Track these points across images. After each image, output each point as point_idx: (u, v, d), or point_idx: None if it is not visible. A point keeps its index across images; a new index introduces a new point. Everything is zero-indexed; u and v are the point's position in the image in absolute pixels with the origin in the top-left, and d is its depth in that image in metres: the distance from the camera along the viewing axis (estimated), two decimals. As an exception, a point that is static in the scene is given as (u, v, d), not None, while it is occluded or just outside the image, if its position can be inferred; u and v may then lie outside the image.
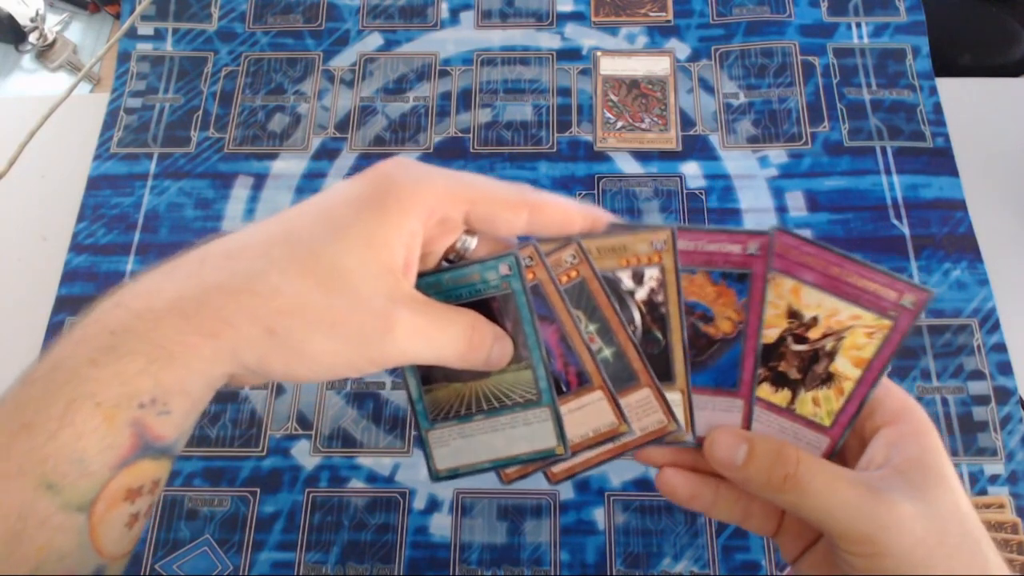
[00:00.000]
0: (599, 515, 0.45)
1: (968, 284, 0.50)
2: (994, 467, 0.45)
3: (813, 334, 0.28)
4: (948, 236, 0.51)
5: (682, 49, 0.58)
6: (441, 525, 0.45)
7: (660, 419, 0.29)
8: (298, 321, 0.23)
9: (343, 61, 0.59)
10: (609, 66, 0.58)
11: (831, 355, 0.28)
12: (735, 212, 0.53)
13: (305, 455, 0.47)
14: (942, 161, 0.53)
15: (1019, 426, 0.46)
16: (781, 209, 0.52)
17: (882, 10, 0.58)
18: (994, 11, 0.62)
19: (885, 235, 0.51)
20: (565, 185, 0.54)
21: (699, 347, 0.29)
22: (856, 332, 0.28)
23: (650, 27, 0.59)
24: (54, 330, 0.50)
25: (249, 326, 0.23)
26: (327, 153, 0.56)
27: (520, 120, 0.56)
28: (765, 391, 0.29)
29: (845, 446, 0.29)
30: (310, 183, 0.55)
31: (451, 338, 0.26)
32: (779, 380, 0.29)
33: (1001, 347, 0.48)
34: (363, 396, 0.48)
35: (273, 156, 0.56)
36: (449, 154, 0.55)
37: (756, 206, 0.53)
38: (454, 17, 0.60)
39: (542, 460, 0.29)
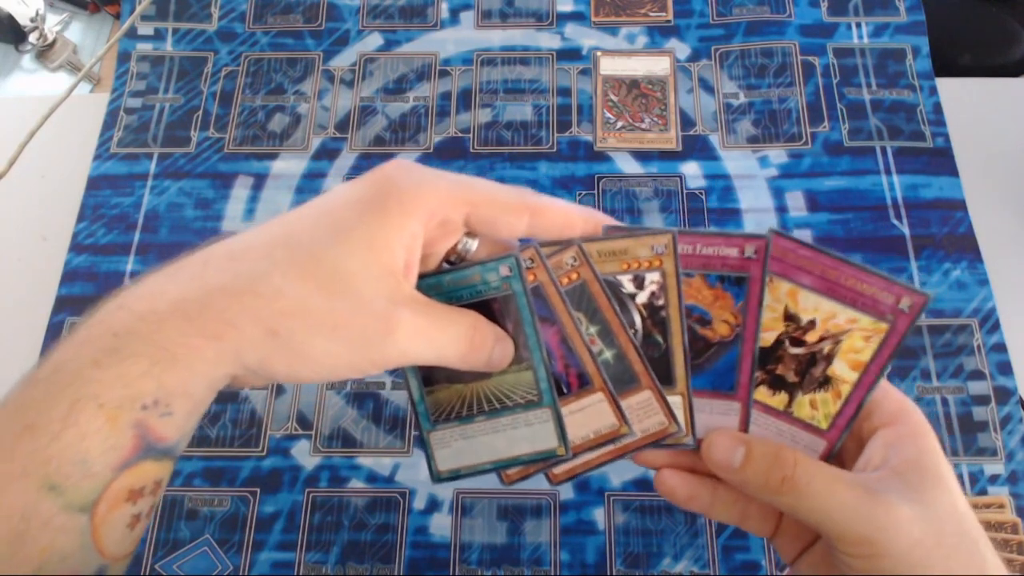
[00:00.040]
0: (599, 515, 0.45)
1: (968, 284, 0.50)
2: (994, 467, 0.45)
3: (810, 337, 0.28)
4: (948, 236, 0.51)
5: (682, 49, 0.58)
6: (441, 525, 0.45)
7: (661, 421, 0.29)
8: (300, 323, 0.23)
9: (343, 61, 0.59)
10: (609, 66, 0.58)
11: (828, 358, 0.28)
12: (735, 212, 0.53)
13: (305, 455, 0.47)
14: (942, 161, 0.53)
15: (1019, 426, 0.46)
16: (781, 209, 0.52)
17: (882, 10, 0.58)
18: (994, 11, 0.62)
19: (885, 235, 0.51)
20: (565, 185, 0.54)
21: (696, 350, 0.29)
22: (853, 335, 0.28)
23: (650, 27, 0.59)
24: (54, 330, 0.51)
25: (251, 328, 0.23)
26: (327, 153, 0.56)
27: (520, 120, 0.56)
28: (762, 394, 0.29)
29: (842, 448, 0.29)
30: (310, 183, 0.55)
31: (452, 339, 0.26)
32: (776, 383, 0.29)
33: (1001, 347, 0.48)
34: (363, 396, 0.48)
35: (273, 156, 0.56)
36: (449, 154, 0.55)
37: (756, 206, 0.53)
38: (454, 17, 0.60)
39: (543, 461, 0.29)
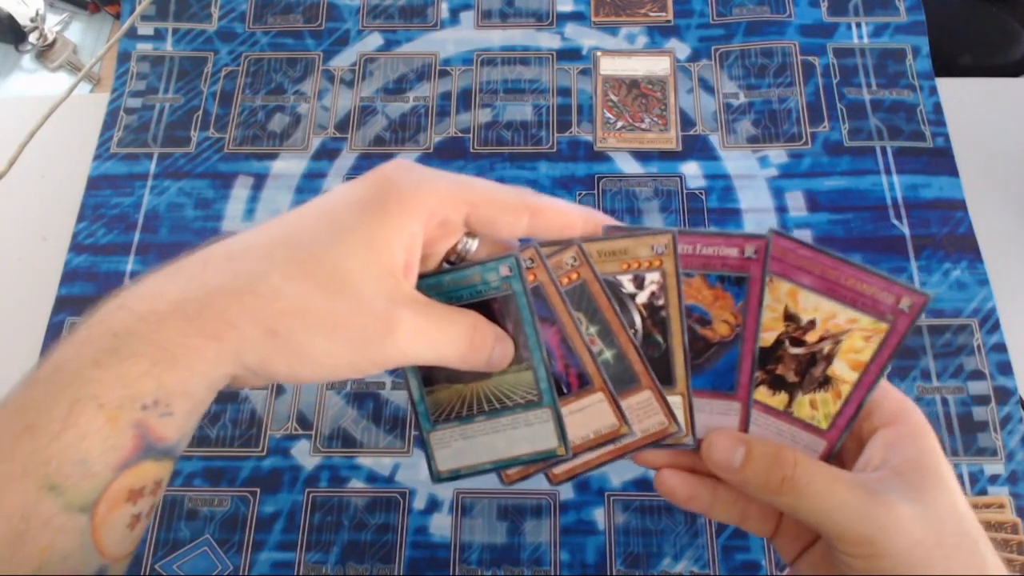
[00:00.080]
0: (599, 515, 0.45)
1: (968, 284, 0.50)
2: (994, 467, 0.45)
3: (810, 337, 0.28)
4: (948, 236, 0.51)
5: (682, 49, 0.58)
6: (441, 525, 0.45)
7: (661, 421, 0.29)
8: (300, 323, 0.23)
9: (343, 61, 0.59)
10: (609, 66, 0.58)
11: (828, 358, 0.28)
12: (735, 212, 0.53)
13: (305, 455, 0.47)
14: (942, 161, 0.53)
15: (1019, 426, 0.46)
16: (781, 209, 0.52)
17: (882, 10, 0.58)
18: (994, 11, 0.62)
19: (885, 235, 0.51)
20: (565, 185, 0.54)
21: (696, 350, 0.29)
22: (853, 335, 0.28)
23: (650, 27, 0.59)
24: (54, 330, 0.51)
25: (251, 328, 0.23)
26: (327, 153, 0.56)
27: (520, 120, 0.56)
28: (762, 394, 0.29)
29: (842, 448, 0.29)
30: (310, 183, 0.55)
31: (452, 339, 0.26)
32: (776, 383, 0.29)
33: (1001, 347, 0.48)
34: (363, 396, 0.48)
35: (273, 156, 0.56)
36: (449, 154, 0.55)
37: (756, 206, 0.53)
38: (454, 17, 0.60)
39: (543, 461, 0.29)
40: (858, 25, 0.58)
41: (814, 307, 0.28)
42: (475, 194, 0.26)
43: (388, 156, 0.55)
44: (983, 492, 0.45)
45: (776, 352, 0.29)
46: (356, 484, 0.46)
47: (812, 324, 0.28)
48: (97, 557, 0.22)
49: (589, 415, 0.29)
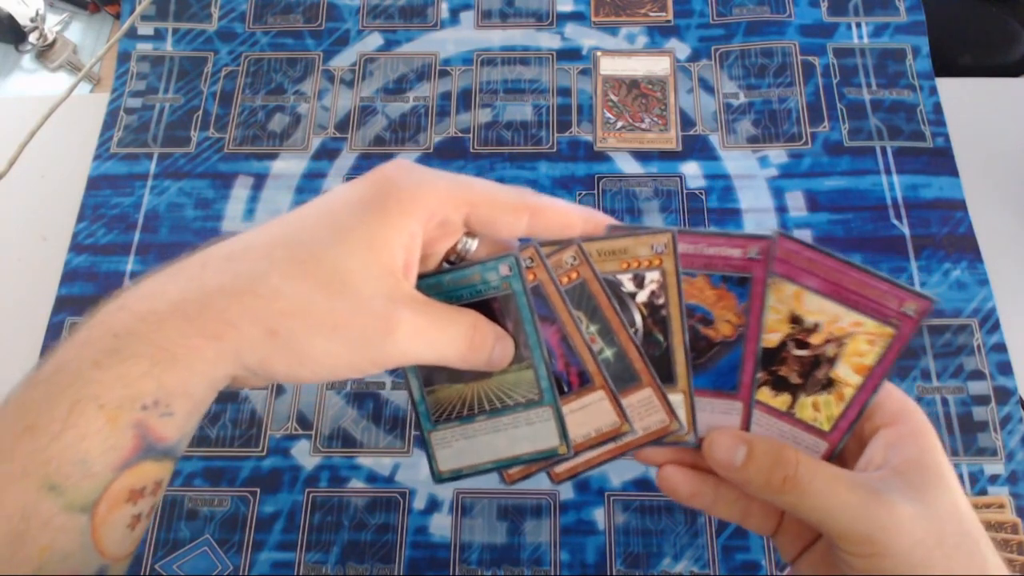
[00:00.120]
0: (599, 515, 0.45)
1: (968, 284, 0.50)
2: (994, 467, 0.45)
3: (815, 339, 0.28)
4: (948, 236, 0.51)
5: (682, 49, 0.58)
6: (441, 525, 0.45)
7: (662, 419, 0.29)
8: (300, 323, 0.23)
9: (343, 61, 0.59)
10: (609, 66, 0.58)
11: (832, 361, 0.28)
12: (735, 212, 0.53)
13: (305, 455, 0.47)
14: (942, 161, 0.53)
15: (1019, 426, 0.46)
16: (781, 209, 0.52)
17: (882, 10, 0.58)
18: (994, 11, 0.62)
19: (885, 235, 0.51)
20: (565, 185, 0.54)
21: (699, 350, 0.29)
22: (858, 339, 0.28)
23: (650, 27, 0.59)
24: (54, 330, 0.51)
25: (251, 328, 0.23)
26: (327, 153, 0.56)
27: (520, 120, 0.56)
28: (765, 395, 0.29)
29: (844, 447, 0.29)
30: (310, 183, 0.55)
31: (452, 338, 0.26)
32: (779, 384, 0.29)
33: (1001, 347, 0.48)
34: (363, 396, 0.48)
35: (273, 156, 0.56)
36: (449, 154, 0.55)
37: (756, 206, 0.53)
38: (454, 17, 0.60)
39: (545, 460, 0.29)
40: (858, 25, 0.58)
41: (819, 309, 0.28)
42: (475, 194, 0.26)
43: (388, 156, 0.55)
44: (983, 492, 0.45)
45: (780, 353, 0.29)
46: (356, 484, 0.46)
47: (817, 326, 0.28)
48: (97, 557, 0.22)
49: (590, 413, 0.29)
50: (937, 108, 0.55)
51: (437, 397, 0.29)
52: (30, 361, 0.48)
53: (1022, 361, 0.48)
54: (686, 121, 0.56)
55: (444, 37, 0.59)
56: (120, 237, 0.53)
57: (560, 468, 0.30)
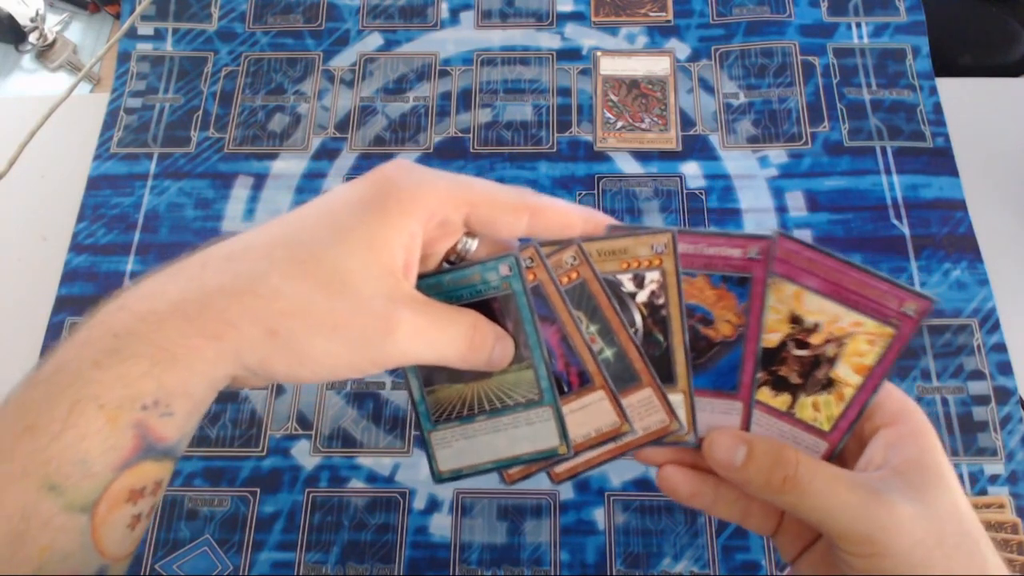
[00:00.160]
0: (599, 515, 0.45)
1: (968, 284, 0.50)
2: (994, 467, 0.45)
3: (815, 339, 0.28)
4: (948, 236, 0.51)
5: (682, 49, 0.58)
6: (441, 525, 0.45)
7: (662, 419, 0.29)
8: (300, 323, 0.23)
9: (343, 61, 0.59)
10: (609, 66, 0.58)
11: (832, 361, 0.28)
12: (735, 212, 0.53)
13: (305, 455, 0.47)
14: (942, 161, 0.53)
15: (1019, 426, 0.46)
16: (781, 209, 0.52)
17: (882, 10, 0.58)
18: (994, 11, 0.62)
19: (885, 235, 0.51)
20: (565, 185, 0.54)
21: (699, 350, 0.29)
22: (858, 339, 0.28)
23: (650, 27, 0.59)
24: (54, 330, 0.51)
25: (251, 328, 0.23)
26: (327, 153, 0.56)
27: (520, 120, 0.56)
28: (765, 395, 0.29)
29: (844, 447, 0.29)
30: (310, 183, 0.55)
31: (452, 338, 0.26)
32: (779, 384, 0.29)
33: (1001, 347, 0.48)
34: (363, 396, 0.48)
35: (273, 156, 0.56)
36: (449, 154, 0.55)
37: (756, 206, 0.53)
38: (454, 17, 0.60)
39: (545, 460, 0.29)
40: (858, 25, 0.58)
41: (819, 310, 0.28)
42: (475, 194, 0.26)
43: (388, 156, 0.55)
44: (983, 492, 0.45)
45: (780, 353, 0.29)
46: (356, 484, 0.46)
47: (817, 326, 0.28)
48: (97, 557, 0.22)
49: (590, 413, 0.29)
50: (937, 108, 0.55)
51: (437, 397, 0.29)
52: (30, 361, 0.48)
53: (1022, 361, 0.48)
54: (686, 121, 0.56)
55: (444, 37, 0.59)
56: (120, 237, 0.53)
57: (560, 468, 0.30)
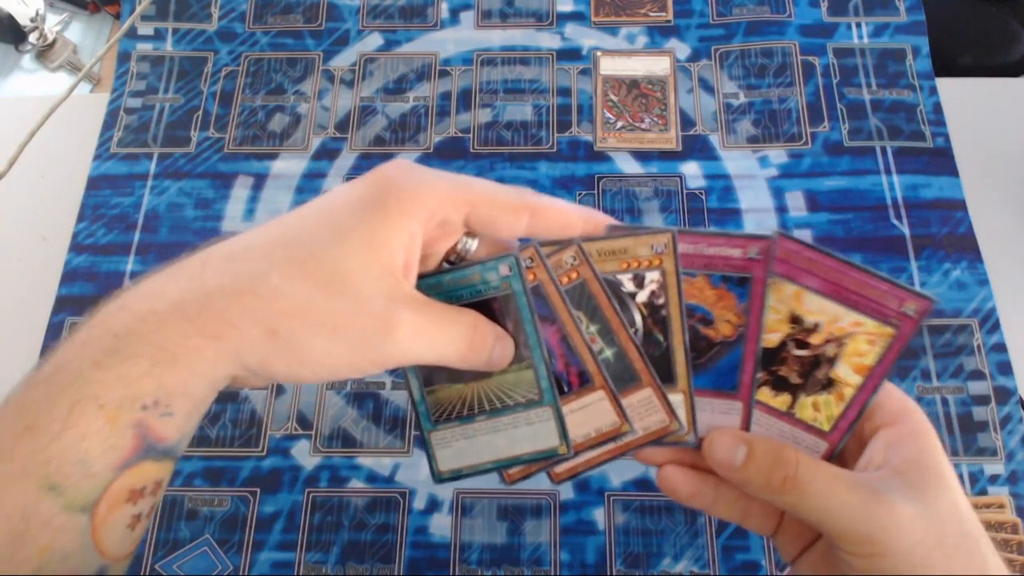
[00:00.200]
0: (599, 515, 0.45)
1: (968, 284, 0.50)
2: (994, 467, 0.45)
3: (815, 339, 0.28)
4: (948, 236, 0.51)
5: (682, 49, 0.58)
6: (441, 525, 0.45)
7: (662, 419, 0.29)
8: (300, 323, 0.23)
9: (343, 61, 0.59)
10: (609, 66, 0.58)
11: (832, 361, 0.28)
12: (735, 212, 0.53)
13: (305, 455, 0.47)
14: (942, 161, 0.53)
15: (1019, 426, 0.46)
16: (781, 209, 0.52)
17: (882, 10, 0.58)
18: (994, 11, 0.62)
19: (885, 235, 0.51)
20: (565, 185, 0.54)
21: (699, 350, 0.29)
22: (858, 339, 0.28)
23: (650, 27, 0.59)
24: (54, 330, 0.51)
25: (251, 328, 0.23)
26: (327, 153, 0.56)
27: (520, 120, 0.56)
28: (765, 395, 0.29)
29: (844, 447, 0.29)
30: (310, 183, 0.55)
31: (452, 338, 0.26)
32: (779, 384, 0.29)
33: (1001, 347, 0.48)
34: (363, 396, 0.48)
35: (273, 156, 0.56)
36: (449, 154, 0.55)
37: (756, 206, 0.53)
38: (454, 17, 0.60)
39: (545, 460, 0.29)
40: (858, 25, 0.58)
41: (819, 310, 0.28)
42: (475, 194, 0.26)
43: (388, 156, 0.55)
44: (983, 492, 0.45)
45: (780, 354, 0.29)
46: (356, 484, 0.46)
47: (817, 327, 0.28)
48: (97, 557, 0.22)
49: (590, 413, 0.29)
50: (937, 108, 0.55)
51: (437, 397, 0.29)
52: (30, 361, 0.48)
53: (1022, 361, 0.48)
54: (686, 121, 0.56)
55: (444, 37, 0.59)
56: (120, 237, 0.53)
57: (560, 468, 0.30)
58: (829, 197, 0.53)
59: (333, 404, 0.48)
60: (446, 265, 0.29)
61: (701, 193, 0.53)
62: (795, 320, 0.28)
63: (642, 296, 0.29)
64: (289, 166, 0.55)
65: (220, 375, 0.23)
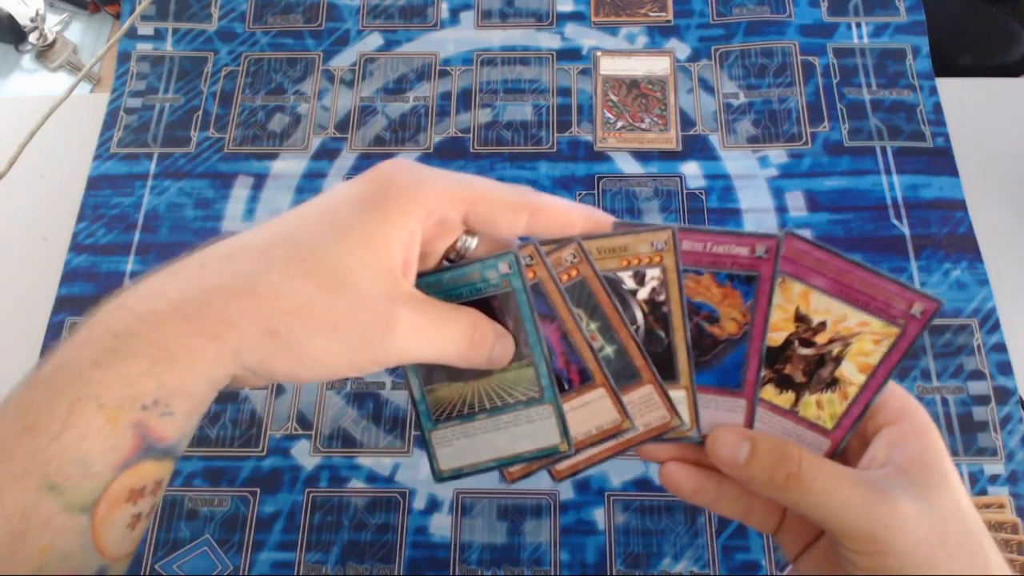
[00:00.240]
0: (599, 515, 0.45)
1: (968, 284, 0.50)
2: (994, 467, 0.45)
3: (820, 339, 0.28)
4: (948, 236, 0.51)
5: (682, 49, 0.58)
6: (441, 525, 0.45)
7: (663, 415, 0.29)
8: (299, 322, 0.23)
9: (343, 61, 0.59)
10: (609, 66, 0.58)
11: (837, 360, 0.28)
12: (735, 212, 0.53)
13: (305, 455, 0.47)
14: (942, 161, 0.53)
15: (1019, 426, 0.46)
16: (781, 209, 0.52)
17: (882, 10, 0.58)
18: (994, 11, 0.62)
19: (885, 235, 0.51)
20: (565, 185, 0.54)
21: (704, 347, 0.29)
22: (863, 338, 0.28)
23: (650, 27, 0.59)
24: (54, 330, 0.50)
25: (251, 327, 0.23)
26: (327, 153, 0.56)
27: (520, 120, 0.56)
28: (769, 393, 0.29)
29: (847, 445, 0.29)
30: (310, 183, 0.55)
31: (452, 336, 0.26)
32: (784, 382, 0.29)
33: (1001, 347, 0.48)
34: (363, 396, 0.48)
35: (273, 156, 0.56)
36: (449, 154, 0.55)
37: (756, 206, 0.53)
38: (454, 17, 0.60)
39: (546, 458, 0.29)
40: (858, 25, 0.58)
41: (825, 309, 0.28)
42: (474, 192, 0.26)
43: (388, 156, 0.55)
44: (983, 492, 0.45)
45: (785, 352, 0.29)
46: (356, 484, 0.46)
47: (823, 326, 0.28)
48: (97, 557, 0.22)
49: (591, 410, 0.29)
50: (937, 108, 0.55)
51: (437, 396, 0.29)
52: (30, 361, 0.47)
53: (1022, 361, 0.48)
54: (686, 121, 0.56)
55: (444, 37, 0.59)
56: (120, 237, 0.53)
57: (561, 466, 0.30)
58: (829, 197, 0.53)
59: (333, 404, 0.48)
60: (446, 263, 0.29)
61: (701, 193, 0.53)
62: (801, 319, 0.28)
63: (643, 293, 0.29)
64: (289, 166, 0.55)
65: (220, 375, 0.23)
